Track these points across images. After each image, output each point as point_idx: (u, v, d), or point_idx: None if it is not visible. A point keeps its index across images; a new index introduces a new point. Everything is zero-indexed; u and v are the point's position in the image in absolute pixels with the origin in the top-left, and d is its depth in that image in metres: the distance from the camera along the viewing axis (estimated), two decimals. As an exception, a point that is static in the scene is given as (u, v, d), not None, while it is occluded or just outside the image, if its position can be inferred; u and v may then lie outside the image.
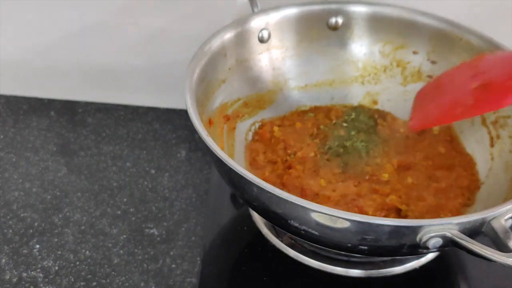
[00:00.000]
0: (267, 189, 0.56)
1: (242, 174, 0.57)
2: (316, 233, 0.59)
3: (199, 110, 0.66)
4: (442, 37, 0.80)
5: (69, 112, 0.94)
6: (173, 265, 0.75)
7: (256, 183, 0.57)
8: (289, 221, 0.59)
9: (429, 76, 0.82)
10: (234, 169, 0.58)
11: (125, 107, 0.95)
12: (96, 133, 0.91)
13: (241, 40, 0.77)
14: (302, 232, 0.59)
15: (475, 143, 0.77)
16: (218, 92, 0.74)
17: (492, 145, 0.75)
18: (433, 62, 0.82)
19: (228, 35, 0.75)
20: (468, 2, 0.83)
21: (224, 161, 0.58)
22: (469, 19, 0.78)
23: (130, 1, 0.87)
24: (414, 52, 0.82)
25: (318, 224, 0.57)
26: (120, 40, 0.90)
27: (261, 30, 0.79)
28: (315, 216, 0.57)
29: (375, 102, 0.84)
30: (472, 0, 0.82)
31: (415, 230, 0.56)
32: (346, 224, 0.56)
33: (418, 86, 0.82)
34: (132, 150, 0.89)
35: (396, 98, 0.84)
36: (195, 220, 0.80)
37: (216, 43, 0.73)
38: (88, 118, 0.93)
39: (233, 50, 0.76)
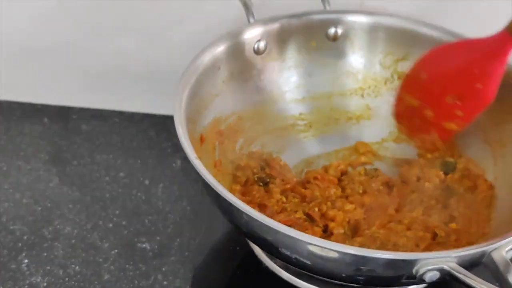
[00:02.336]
0: (256, 217, 0.54)
1: (230, 201, 0.55)
2: (308, 262, 0.56)
3: (190, 127, 0.64)
4: None
5: (63, 118, 0.92)
6: (165, 282, 0.73)
7: (245, 211, 0.54)
8: (279, 249, 0.57)
9: (431, 89, 0.80)
10: (222, 195, 0.55)
11: (121, 113, 0.93)
12: (90, 141, 0.89)
13: (235, 52, 0.74)
14: (294, 260, 0.57)
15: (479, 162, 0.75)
16: (211, 107, 0.72)
17: (495, 164, 0.73)
18: (434, 75, 0.79)
19: (221, 48, 0.72)
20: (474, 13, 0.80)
21: (212, 186, 0.56)
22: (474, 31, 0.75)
23: (125, 5, 0.85)
24: (416, 64, 0.80)
25: (310, 253, 0.55)
26: (115, 45, 0.88)
27: (257, 41, 0.76)
28: (307, 247, 0.54)
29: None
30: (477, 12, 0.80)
31: (411, 263, 0.54)
32: (340, 256, 0.54)
33: (419, 99, 0.80)
34: (126, 159, 0.87)
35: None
36: (189, 234, 0.78)
37: (208, 57, 0.71)
38: (82, 125, 0.91)
39: (227, 63, 0.74)
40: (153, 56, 0.89)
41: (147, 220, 0.79)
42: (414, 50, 0.79)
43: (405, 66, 0.80)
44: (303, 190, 0.74)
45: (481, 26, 0.72)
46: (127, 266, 0.74)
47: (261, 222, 0.54)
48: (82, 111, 0.93)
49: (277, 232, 0.54)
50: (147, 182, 0.84)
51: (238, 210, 0.55)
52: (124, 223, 0.79)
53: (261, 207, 0.69)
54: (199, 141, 0.68)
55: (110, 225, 0.78)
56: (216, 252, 0.75)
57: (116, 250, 0.76)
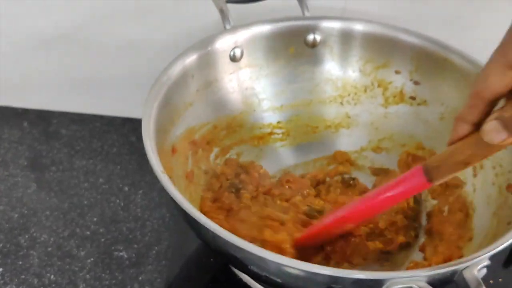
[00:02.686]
0: (223, 236, 0.53)
1: (196, 219, 0.54)
2: (278, 280, 0.55)
3: (161, 137, 0.62)
4: (426, 56, 0.75)
5: (43, 123, 0.91)
6: (141, 292, 0.72)
7: (211, 229, 0.53)
8: (249, 267, 0.56)
9: (412, 98, 0.78)
10: (188, 212, 0.54)
11: (101, 118, 0.92)
12: (70, 146, 0.88)
13: (209, 60, 0.73)
14: (263, 277, 0.56)
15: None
16: (184, 116, 0.70)
17: (475, 175, 0.71)
18: (416, 83, 0.77)
19: (195, 56, 0.71)
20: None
21: (178, 203, 0.55)
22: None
23: (105, 10, 0.83)
24: (396, 72, 0.78)
25: (280, 272, 0.54)
26: (96, 49, 0.87)
27: (233, 48, 0.74)
28: (275, 265, 0.53)
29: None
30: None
31: (380, 282, 0.52)
32: (309, 275, 0.53)
33: (399, 108, 0.78)
34: (106, 165, 0.86)
35: (376, 120, 0.80)
36: (167, 242, 0.77)
37: (180, 66, 0.69)
38: (62, 130, 0.90)
39: (201, 71, 0.72)
40: (133, 60, 0.88)
41: (125, 228, 0.78)
42: (395, 57, 0.77)
43: (386, 74, 0.79)
44: (276, 191, 0.73)
45: (463, 32, 0.70)
46: (103, 275, 0.73)
47: (228, 241, 0.53)
48: (63, 115, 0.92)
49: (243, 250, 0.52)
50: (126, 188, 0.83)
51: (204, 227, 0.54)
52: (101, 230, 0.78)
53: (229, 212, 0.69)
54: (171, 152, 0.67)
55: (88, 232, 0.77)
56: (192, 262, 0.74)
57: (92, 259, 0.75)
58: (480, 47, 0.76)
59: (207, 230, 0.54)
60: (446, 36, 0.77)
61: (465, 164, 0.55)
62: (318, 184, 0.76)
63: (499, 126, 0.50)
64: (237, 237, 0.53)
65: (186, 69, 0.70)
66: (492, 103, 0.52)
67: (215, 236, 0.54)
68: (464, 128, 0.54)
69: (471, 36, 0.78)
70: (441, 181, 0.58)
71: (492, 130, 0.50)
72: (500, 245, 0.56)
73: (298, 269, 0.53)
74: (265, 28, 0.76)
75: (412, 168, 0.60)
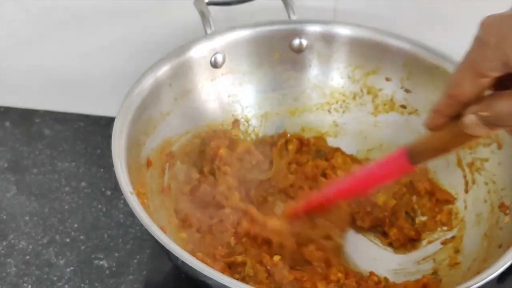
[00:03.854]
0: (189, 263, 0.51)
1: (164, 244, 0.51)
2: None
3: (134, 150, 0.60)
4: (417, 63, 0.72)
5: (26, 122, 0.88)
6: (121, 303, 0.70)
7: (180, 256, 0.51)
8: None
9: (402, 106, 0.75)
10: (157, 237, 0.52)
11: (86, 117, 0.89)
12: (52, 147, 0.86)
13: (187, 67, 0.70)
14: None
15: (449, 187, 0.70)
16: (161, 127, 0.68)
17: (466, 190, 0.68)
18: (407, 91, 0.74)
19: (172, 63, 0.68)
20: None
21: (147, 227, 0.52)
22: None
23: (89, 9, 0.81)
24: (387, 79, 0.75)
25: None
26: (80, 48, 0.85)
27: (214, 54, 0.71)
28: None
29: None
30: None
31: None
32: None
33: (390, 116, 0.75)
34: (89, 168, 0.83)
35: (365, 129, 0.77)
36: (150, 250, 0.74)
37: (155, 75, 0.66)
38: (45, 130, 0.88)
39: (179, 79, 0.69)
40: (118, 59, 0.85)
41: (106, 235, 0.76)
42: (385, 64, 0.74)
43: (375, 81, 0.76)
44: None
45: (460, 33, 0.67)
46: (82, 285, 0.71)
47: (195, 269, 0.50)
48: (46, 114, 0.90)
49: (210, 279, 0.50)
50: (109, 193, 0.81)
51: (172, 254, 0.51)
52: (82, 237, 0.76)
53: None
54: (146, 165, 0.64)
55: (67, 239, 0.75)
56: (174, 274, 0.71)
57: (71, 268, 0.73)
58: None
59: (175, 257, 0.51)
60: (441, 38, 0.74)
61: (444, 150, 0.57)
62: None
63: (479, 122, 0.50)
64: (204, 265, 0.51)
65: (162, 78, 0.67)
66: (468, 103, 0.51)
67: (183, 264, 0.51)
68: (440, 120, 0.54)
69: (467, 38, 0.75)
70: (422, 164, 0.62)
71: (472, 124, 0.51)
72: (490, 275, 0.54)
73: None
74: (248, 33, 0.73)
75: (396, 151, 0.60)
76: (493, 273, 0.54)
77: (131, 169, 0.59)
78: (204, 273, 0.50)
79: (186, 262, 0.51)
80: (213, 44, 0.71)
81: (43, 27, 0.84)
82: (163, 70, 0.68)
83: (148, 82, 0.66)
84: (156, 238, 0.52)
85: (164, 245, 0.51)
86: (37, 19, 0.83)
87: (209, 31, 0.70)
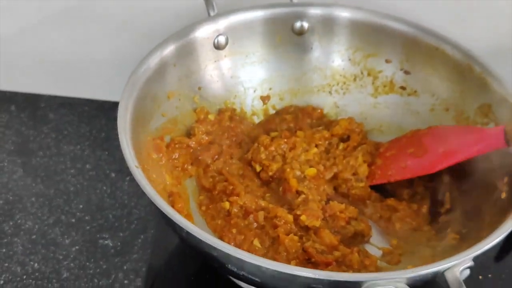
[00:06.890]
0: (197, 235, 0.52)
1: (170, 217, 0.53)
2: (257, 279, 0.54)
3: (140, 130, 0.61)
4: (416, 45, 0.73)
5: (31, 106, 0.90)
6: (126, 281, 0.71)
7: (185, 227, 0.52)
8: (226, 265, 0.55)
9: (402, 88, 0.76)
10: (162, 210, 0.53)
11: (91, 102, 0.91)
12: (58, 130, 0.87)
13: (191, 48, 0.71)
14: (242, 276, 0.55)
15: None
16: (166, 106, 0.69)
17: None
18: (406, 73, 0.75)
19: (176, 44, 0.69)
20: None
21: (153, 200, 0.54)
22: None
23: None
24: (387, 61, 0.76)
25: (257, 271, 0.53)
26: (84, 32, 0.86)
27: (217, 35, 0.73)
28: (251, 265, 0.52)
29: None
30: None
31: (358, 284, 0.51)
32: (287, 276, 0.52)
33: (389, 98, 0.76)
34: (94, 151, 0.85)
35: (365, 110, 0.78)
36: (154, 230, 0.76)
37: (163, 52, 0.67)
38: (50, 114, 0.89)
39: (183, 60, 0.71)
40: (121, 43, 0.86)
41: (111, 215, 0.77)
42: (385, 46, 0.75)
43: (375, 62, 0.77)
44: None
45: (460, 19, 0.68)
46: (87, 263, 0.72)
47: (203, 241, 0.51)
48: (51, 99, 0.91)
49: (215, 249, 0.51)
50: (113, 175, 0.82)
51: (177, 225, 0.53)
52: (87, 218, 0.77)
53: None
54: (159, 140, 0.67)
55: (73, 220, 0.77)
56: (170, 260, 0.73)
57: (77, 247, 0.74)
58: (475, 35, 0.75)
59: (180, 228, 0.53)
60: (440, 20, 0.75)
61: None
62: None
63: None
64: (211, 236, 0.52)
65: (167, 58, 0.68)
66: None
67: (188, 234, 0.53)
68: None
69: (467, 24, 0.76)
70: None
71: None
72: (484, 246, 0.55)
73: (276, 271, 0.52)
74: (251, 15, 0.74)
75: (493, 128, 0.64)
76: (486, 245, 0.55)
77: (136, 146, 0.60)
78: (209, 243, 0.51)
79: (191, 232, 0.52)
80: (216, 26, 0.72)
81: (47, 13, 0.85)
82: (168, 49, 0.69)
83: (154, 61, 0.68)
84: (161, 210, 0.53)
85: (169, 216, 0.53)
86: (41, 4, 0.84)
87: (212, 14, 0.72)
